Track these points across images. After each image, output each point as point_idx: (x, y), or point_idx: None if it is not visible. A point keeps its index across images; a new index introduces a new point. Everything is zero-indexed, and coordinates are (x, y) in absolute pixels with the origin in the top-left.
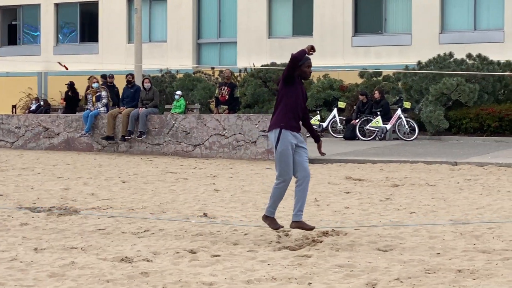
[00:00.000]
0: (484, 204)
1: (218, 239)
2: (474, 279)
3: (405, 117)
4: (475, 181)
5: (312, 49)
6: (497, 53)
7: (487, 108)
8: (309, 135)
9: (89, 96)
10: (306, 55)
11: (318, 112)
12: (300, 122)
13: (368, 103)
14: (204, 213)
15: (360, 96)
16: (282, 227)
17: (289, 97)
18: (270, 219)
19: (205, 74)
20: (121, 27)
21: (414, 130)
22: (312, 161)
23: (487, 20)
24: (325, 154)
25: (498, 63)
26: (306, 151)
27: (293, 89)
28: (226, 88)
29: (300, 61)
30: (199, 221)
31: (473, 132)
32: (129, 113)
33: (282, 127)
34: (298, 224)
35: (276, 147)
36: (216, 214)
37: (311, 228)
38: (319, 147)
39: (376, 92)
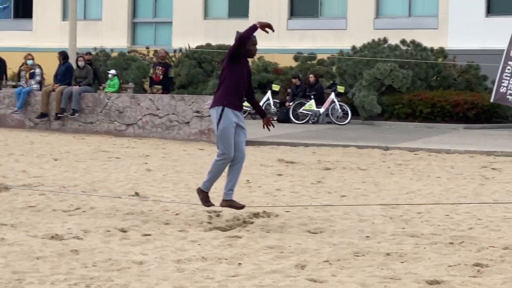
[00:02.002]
0: (414, 189)
1: (149, 219)
2: (402, 262)
3: (338, 101)
4: (406, 166)
5: (267, 26)
6: (431, 40)
7: (419, 94)
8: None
9: (22, 73)
10: (260, 30)
11: None
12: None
13: (301, 86)
14: (136, 192)
15: (293, 80)
16: (213, 205)
17: (233, 76)
18: (203, 194)
19: (139, 53)
20: (55, 4)
21: (347, 114)
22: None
23: (421, 6)
24: (273, 127)
25: (432, 49)
26: (245, 132)
27: (237, 68)
28: (160, 68)
29: (248, 40)
30: (131, 200)
31: (405, 118)
32: (62, 91)
33: (225, 105)
34: (228, 202)
35: (218, 125)
36: (148, 194)
37: (241, 207)
38: (266, 122)
39: (311, 75)
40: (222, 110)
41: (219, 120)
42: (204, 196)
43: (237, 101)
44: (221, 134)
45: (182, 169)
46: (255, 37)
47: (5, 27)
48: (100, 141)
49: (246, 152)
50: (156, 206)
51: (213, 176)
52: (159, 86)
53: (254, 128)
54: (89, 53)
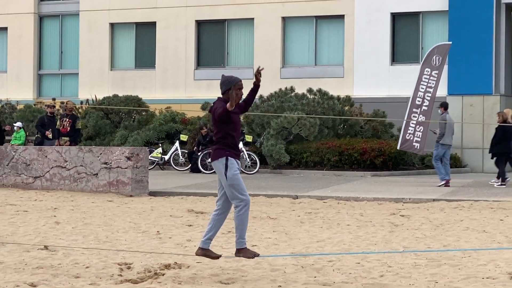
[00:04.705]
0: (324, 237)
1: (59, 272)
2: None
3: (246, 150)
4: (316, 215)
5: (258, 74)
6: (337, 88)
7: (327, 142)
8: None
9: None
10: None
11: (160, 145)
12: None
13: (209, 135)
14: (45, 246)
15: (202, 131)
16: (258, 254)
17: (228, 129)
18: (243, 250)
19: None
20: None
21: (256, 163)
22: (153, 193)
23: (327, 55)
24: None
25: (338, 98)
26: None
27: (229, 119)
28: (67, 119)
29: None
30: (40, 253)
31: (313, 166)
32: None
33: (228, 155)
34: (204, 251)
35: (226, 174)
36: (57, 247)
37: (217, 257)
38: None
39: None
40: (227, 160)
41: (226, 169)
42: (244, 252)
43: (237, 150)
44: (232, 181)
45: (91, 221)
46: (240, 81)
47: None
48: (7, 194)
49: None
50: (66, 260)
51: (243, 228)
52: (67, 138)
53: (162, 179)
54: None
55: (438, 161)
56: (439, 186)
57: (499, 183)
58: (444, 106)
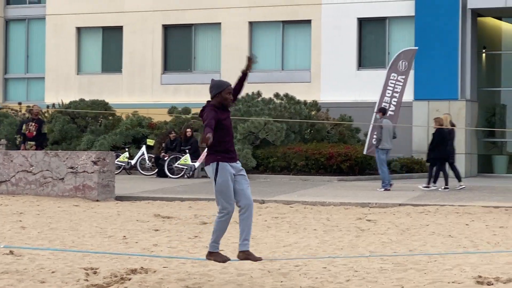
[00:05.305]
0: (291, 242)
1: (25, 277)
2: None
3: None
4: (282, 219)
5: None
6: (304, 93)
7: (294, 147)
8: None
9: None
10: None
11: (126, 149)
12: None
13: (177, 140)
14: (10, 251)
15: (170, 135)
16: (229, 259)
17: (217, 136)
18: (215, 255)
19: (12, 109)
20: None
21: None
22: (120, 198)
23: (294, 60)
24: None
25: (305, 102)
26: (246, 178)
27: (218, 126)
28: (33, 124)
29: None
30: (5, 258)
31: (280, 171)
32: None
33: (219, 160)
34: (245, 254)
35: (215, 180)
36: (23, 252)
37: (258, 259)
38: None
39: (188, 130)
40: (217, 165)
41: (216, 174)
42: (215, 255)
43: (230, 153)
44: (219, 188)
45: (57, 226)
46: (230, 85)
47: None
48: None
49: (251, 198)
50: (31, 264)
51: (218, 234)
52: (33, 142)
53: (129, 184)
54: None
55: (384, 165)
56: (380, 190)
57: (437, 187)
58: (382, 111)
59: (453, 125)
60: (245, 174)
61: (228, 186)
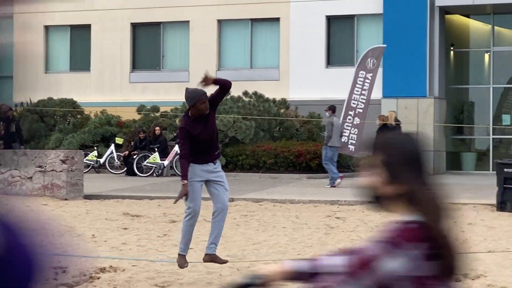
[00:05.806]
0: (260, 240)
1: None
2: None
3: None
4: (251, 217)
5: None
6: (273, 91)
7: (263, 145)
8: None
9: None
10: (201, 87)
11: (95, 148)
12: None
13: (146, 139)
14: None
15: (139, 134)
16: (187, 265)
17: (193, 146)
18: (179, 257)
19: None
20: None
21: None
22: (89, 197)
23: (263, 59)
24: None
25: (274, 100)
26: (223, 183)
27: (193, 140)
28: (1, 123)
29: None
30: None
31: (249, 169)
32: None
33: (191, 161)
34: (211, 257)
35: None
36: None
37: (224, 262)
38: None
39: (157, 128)
40: (189, 166)
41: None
42: (181, 260)
43: (204, 156)
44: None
45: None
46: (204, 95)
47: None
48: None
49: (227, 204)
50: None
51: (183, 235)
52: (1, 142)
53: (98, 182)
54: None
55: (329, 162)
56: (329, 187)
57: None
58: (332, 109)
59: (398, 121)
60: (224, 179)
61: (193, 186)
